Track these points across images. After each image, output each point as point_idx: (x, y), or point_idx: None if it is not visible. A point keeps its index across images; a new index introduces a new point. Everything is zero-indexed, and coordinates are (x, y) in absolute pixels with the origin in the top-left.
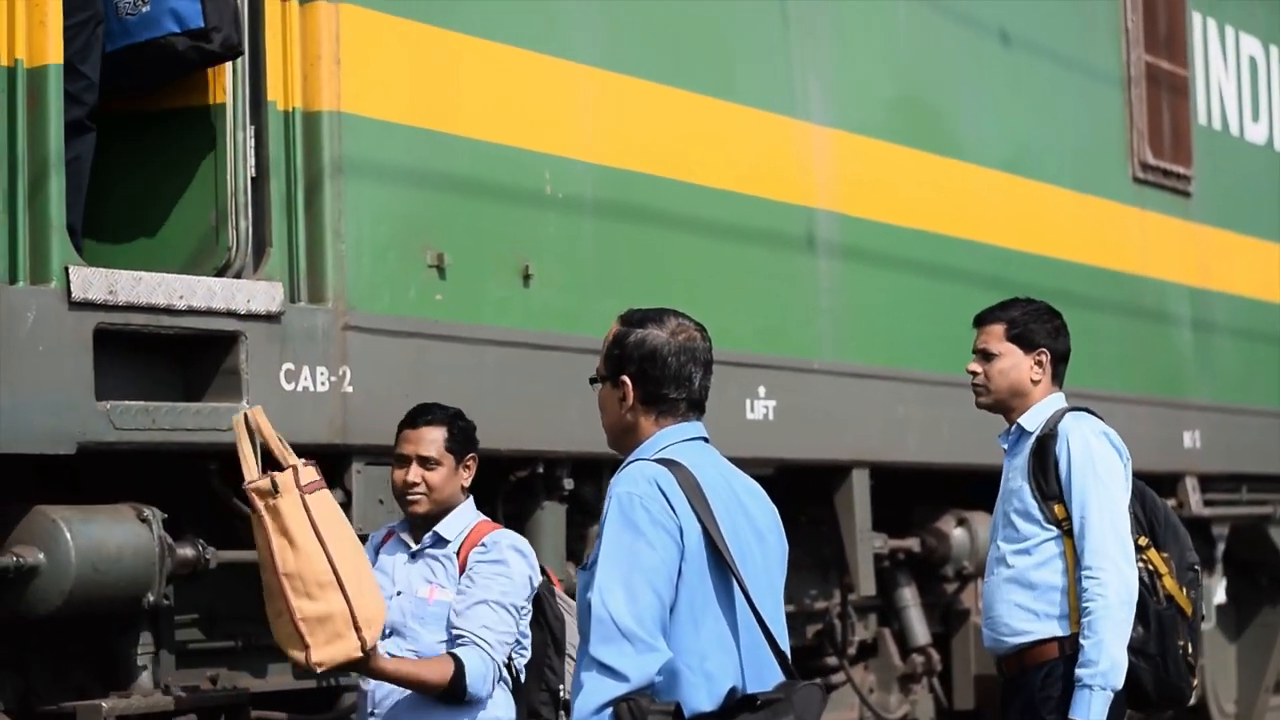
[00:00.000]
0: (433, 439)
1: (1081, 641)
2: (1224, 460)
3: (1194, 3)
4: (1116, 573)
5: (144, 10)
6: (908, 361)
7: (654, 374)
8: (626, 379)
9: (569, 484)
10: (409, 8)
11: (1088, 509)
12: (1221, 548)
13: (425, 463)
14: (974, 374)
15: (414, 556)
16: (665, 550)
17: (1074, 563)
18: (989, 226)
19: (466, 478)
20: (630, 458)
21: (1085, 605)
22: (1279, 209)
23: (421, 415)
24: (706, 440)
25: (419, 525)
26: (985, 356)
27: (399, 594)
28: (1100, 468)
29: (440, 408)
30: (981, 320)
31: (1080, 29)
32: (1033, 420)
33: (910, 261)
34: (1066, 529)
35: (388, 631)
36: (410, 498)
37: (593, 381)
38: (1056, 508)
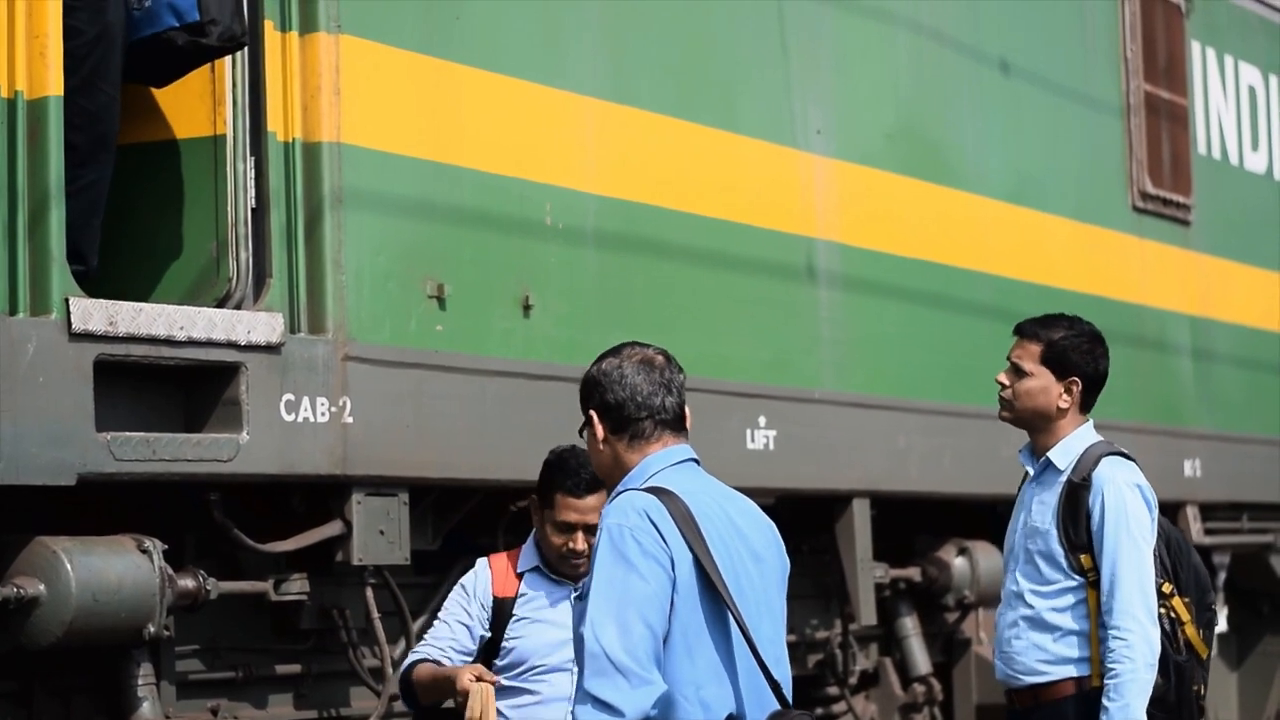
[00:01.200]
0: (597, 506)
1: (1106, 703)
2: (1225, 489)
3: (1193, 32)
4: (1143, 635)
5: (147, 5)
6: (909, 391)
7: (613, 399)
8: (593, 412)
9: None
10: (409, 39)
11: (1118, 567)
12: (1223, 576)
13: (591, 530)
14: (1002, 385)
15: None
16: (657, 581)
17: (1096, 610)
18: (989, 256)
19: None
20: (620, 487)
21: (1111, 666)
22: (1279, 238)
23: (583, 481)
24: (697, 462)
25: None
26: (1017, 372)
27: None
28: (1133, 526)
29: (587, 463)
30: (1021, 332)
31: (1080, 59)
32: (1063, 456)
33: (911, 291)
34: (1092, 579)
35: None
36: (575, 562)
37: (580, 432)
38: (1084, 558)
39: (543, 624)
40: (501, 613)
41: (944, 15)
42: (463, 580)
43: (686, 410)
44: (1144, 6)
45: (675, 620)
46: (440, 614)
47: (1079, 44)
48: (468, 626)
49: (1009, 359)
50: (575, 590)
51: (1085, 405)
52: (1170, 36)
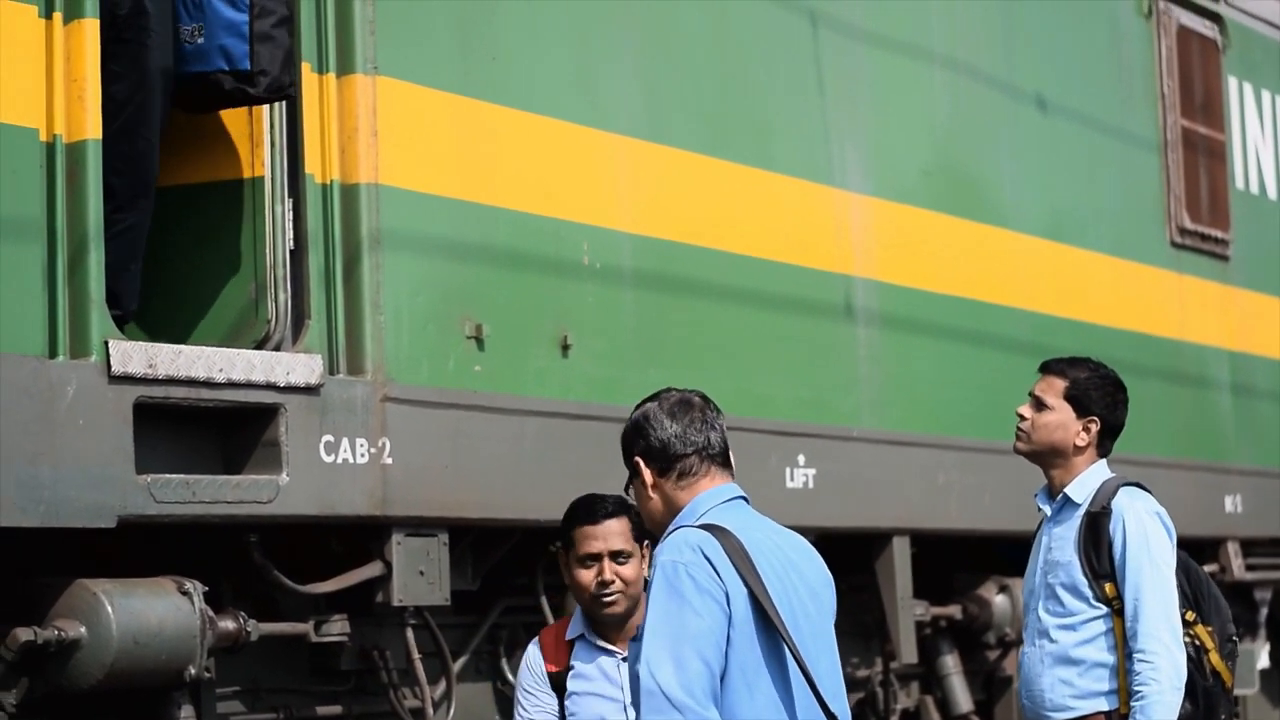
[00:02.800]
0: (619, 530)
1: None
2: (1266, 524)
3: (1230, 67)
4: (1169, 657)
5: (199, 42)
6: (948, 428)
7: (657, 441)
8: (638, 459)
9: None
10: (446, 80)
11: (1142, 592)
12: (1264, 612)
13: (617, 557)
14: (1021, 417)
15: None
16: (712, 617)
17: (1122, 640)
18: (1027, 293)
19: (647, 567)
20: (672, 525)
21: (1138, 689)
22: None
23: (598, 508)
24: (746, 500)
25: (613, 625)
26: (1038, 405)
27: None
28: (1155, 551)
29: (607, 497)
30: (1046, 368)
31: (1116, 94)
32: (1080, 491)
33: (949, 328)
34: (1116, 608)
35: None
36: (608, 598)
37: (626, 489)
38: (1107, 586)
39: (591, 697)
40: (558, 687)
41: (980, 52)
42: (522, 671)
43: (730, 452)
44: (1180, 42)
45: (733, 656)
46: (517, 710)
47: (1115, 80)
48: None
49: (1031, 393)
50: (622, 656)
51: (1101, 449)
52: (1207, 72)
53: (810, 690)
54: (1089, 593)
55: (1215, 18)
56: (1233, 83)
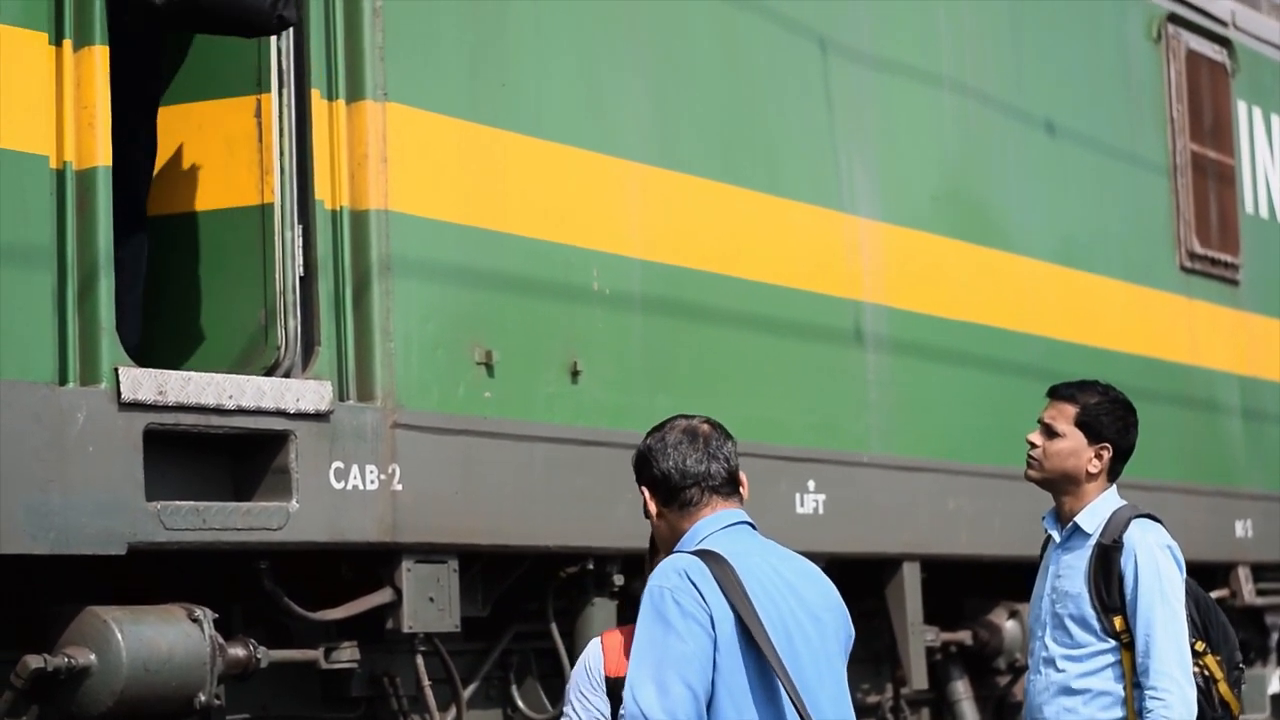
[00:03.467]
0: None
1: None
2: (1277, 549)
3: (1239, 91)
4: (1181, 695)
5: None
6: (957, 454)
7: (659, 472)
8: (643, 488)
9: (619, 580)
10: (456, 106)
11: (1153, 628)
12: (1275, 637)
13: None
14: (1032, 444)
15: None
16: (696, 642)
17: (1130, 671)
18: (1037, 318)
19: None
20: (672, 552)
21: None
22: None
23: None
24: (751, 525)
25: None
26: (1049, 432)
27: None
28: (1167, 586)
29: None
30: (1055, 394)
31: (1126, 119)
32: (1090, 520)
33: (959, 354)
34: (1125, 641)
35: None
36: None
37: (645, 511)
38: (1117, 620)
39: None
40: (615, 695)
41: (989, 77)
42: (577, 670)
43: (742, 478)
44: (1189, 66)
45: (720, 680)
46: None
47: (1124, 104)
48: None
49: (1041, 420)
50: None
51: (1112, 473)
52: (1216, 96)
53: (799, 716)
54: (1097, 626)
55: (1224, 42)
56: (1242, 107)
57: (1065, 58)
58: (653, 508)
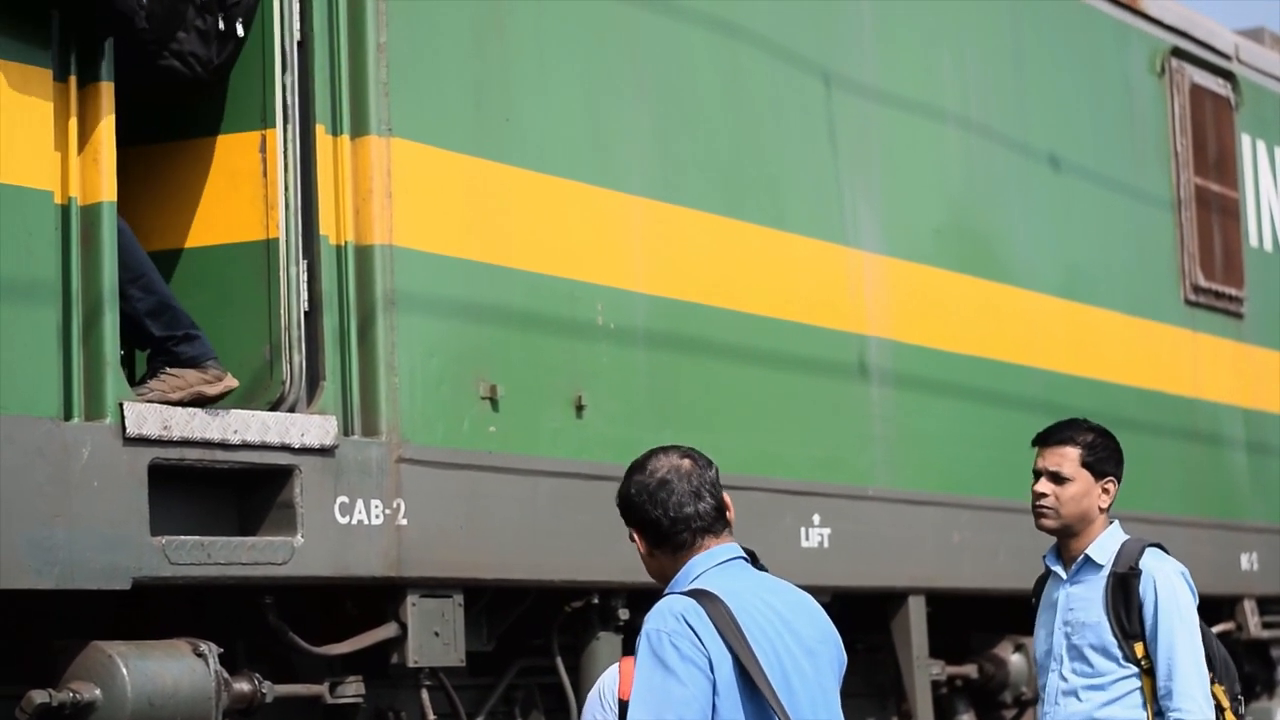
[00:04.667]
0: None
1: None
2: None
3: (1242, 125)
4: (1203, 715)
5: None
6: (962, 487)
7: (648, 518)
8: (633, 531)
9: (624, 614)
10: (460, 141)
11: (1175, 652)
12: None
13: None
14: (1042, 494)
15: None
16: (695, 685)
17: (1151, 698)
18: (1041, 351)
19: None
20: (666, 591)
21: None
22: None
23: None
24: (744, 559)
25: None
26: (1056, 479)
27: None
28: (1185, 611)
29: None
30: (1050, 440)
31: (1130, 153)
32: (1101, 553)
33: (963, 387)
34: (1145, 667)
35: None
36: None
37: (631, 538)
38: (1137, 646)
39: None
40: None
41: (993, 111)
42: (592, 695)
43: (728, 501)
44: (1193, 100)
45: None
46: None
47: (1128, 138)
48: None
49: (1045, 469)
50: None
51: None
52: (1220, 130)
53: None
54: (1119, 653)
55: (1228, 75)
56: (1245, 140)
57: (1069, 92)
58: (643, 548)
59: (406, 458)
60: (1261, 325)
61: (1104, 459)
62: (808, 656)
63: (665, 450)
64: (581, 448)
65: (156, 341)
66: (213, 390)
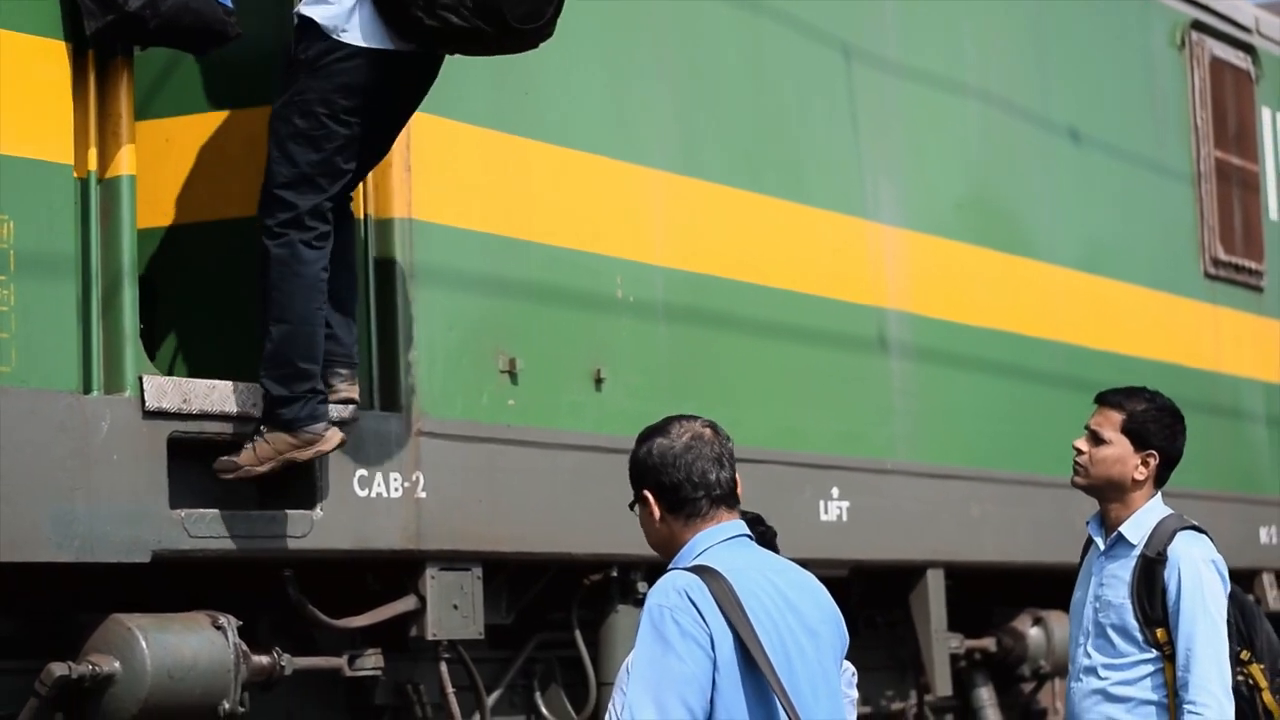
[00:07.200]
0: None
1: None
2: None
3: (1263, 98)
4: (1219, 710)
5: None
6: (982, 461)
7: (669, 481)
8: (647, 493)
9: (643, 588)
10: (479, 114)
11: (1194, 642)
12: None
13: None
14: (1079, 451)
15: None
16: (695, 662)
17: (1172, 681)
18: (1062, 324)
19: None
20: (670, 566)
21: None
22: None
23: None
24: (749, 537)
25: None
26: (1095, 439)
27: None
28: (1209, 601)
29: None
30: (1103, 401)
31: (1150, 126)
32: (1135, 531)
33: (983, 361)
34: (1167, 653)
35: None
36: None
37: (631, 507)
38: (1159, 632)
39: None
40: None
41: (1014, 85)
42: (624, 667)
43: (738, 478)
44: (1213, 73)
45: (719, 700)
46: (611, 704)
47: (1149, 112)
48: None
49: (1088, 426)
50: None
51: (1159, 480)
52: (1240, 103)
53: None
54: (1140, 637)
55: (1248, 49)
56: (1266, 113)
57: (1089, 65)
58: (657, 512)
59: (426, 431)
60: None
61: (1149, 430)
62: (809, 636)
63: (686, 418)
64: (600, 421)
65: (264, 393)
66: (303, 455)
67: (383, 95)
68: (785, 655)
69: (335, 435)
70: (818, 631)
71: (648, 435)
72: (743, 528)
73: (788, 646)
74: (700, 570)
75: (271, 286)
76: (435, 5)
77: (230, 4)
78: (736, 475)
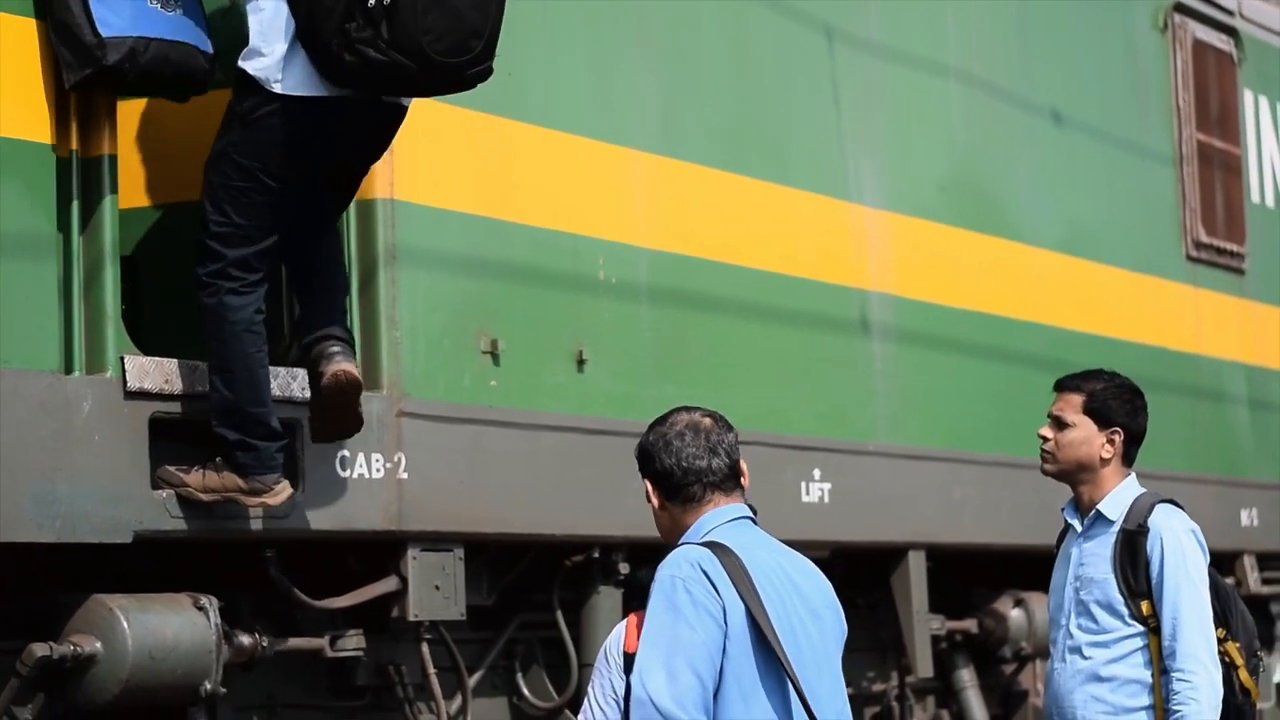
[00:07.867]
0: None
1: None
2: None
3: (1245, 81)
4: (1208, 676)
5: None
6: (964, 443)
7: (661, 467)
8: (647, 481)
9: (625, 569)
10: (462, 95)
11: (1180, 611)
12: None
13: None
14: (1044, 439)
15: None
16: (706, 631)
17: (1157, 657)
18: (1044, 307)
19: None
20: (680, 543)
21: (1177, 709)
22: None
23: None
24: (754, 520)
25: None
26: (1059, 424)
27: None
28: (1192, 570)
29: None
30: (1061, 386)
31: (1132, 109)
32: (1113, 508)
33: (965, 343)
34: (1152, 626)
35: None
36: None
37: (648, 497)
38: (1144, 604)
39: None
40: (630, 670)
41: (996, 67)
42: (602, 649)
43: (743, 467)
44: (1196, 56)
45: (729, 669)
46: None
47: (1131, 94)
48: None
49: (1050, 413)
50: None
51: (1127, 458)
52: (1222, 85)
53: (805, 710)
54: (1125, 610)
55: (1231, 31)
56: (1248, 96)
57: (1072, 47)
58: (656, 501)
59: (407, 411)
60: (1263, 281)
61: (1110, 408)
62: (813, 619)
63: (690, 408)
64: (582, 402)
65: (220, 438)
66: (248, 501)
67: (325, 143)
68: (791, 633)
69: (285, 490)
70: (821, 615)
71: (649, 428)
72: (746, 510)
73: (794, 624)
74: (711, 545)
75: (208, 335)
76: (353, 41)
77: (211, 50)
78: (741, 463)
